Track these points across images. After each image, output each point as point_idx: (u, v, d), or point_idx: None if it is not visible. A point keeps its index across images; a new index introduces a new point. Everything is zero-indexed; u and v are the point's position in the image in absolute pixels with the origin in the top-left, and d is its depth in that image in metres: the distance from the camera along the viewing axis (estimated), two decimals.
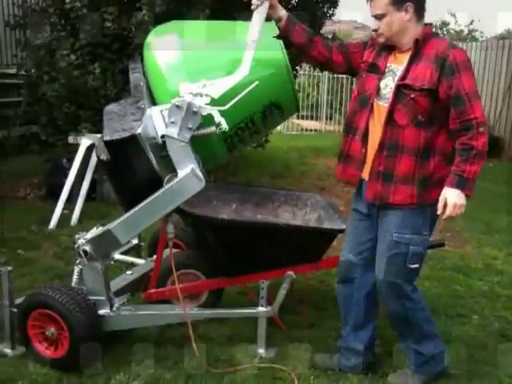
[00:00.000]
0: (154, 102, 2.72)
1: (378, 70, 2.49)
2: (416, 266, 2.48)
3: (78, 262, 2.75)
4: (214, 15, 5.13)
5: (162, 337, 3.00)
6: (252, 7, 2.52)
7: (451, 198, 2.29)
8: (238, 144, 2.80)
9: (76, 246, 2.70)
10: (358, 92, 2.57)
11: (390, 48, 2.48)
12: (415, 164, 2.38)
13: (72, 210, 5.06)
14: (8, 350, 2.80)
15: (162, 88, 2.71)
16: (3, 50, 8.69)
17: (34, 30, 6.03)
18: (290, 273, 2.93)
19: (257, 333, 2.88)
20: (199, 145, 2.59)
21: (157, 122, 2.58)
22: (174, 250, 2.97)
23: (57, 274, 3.80)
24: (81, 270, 2.75)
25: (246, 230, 2.93)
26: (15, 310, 2.76)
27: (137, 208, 2.58)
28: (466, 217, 5.71)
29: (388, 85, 2.44)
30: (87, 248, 2.66)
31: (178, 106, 2.49)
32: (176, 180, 2.54)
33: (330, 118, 14.26)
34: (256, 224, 3.11)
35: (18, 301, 2.80)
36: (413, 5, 2.35)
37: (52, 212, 4.94)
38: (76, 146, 5.19)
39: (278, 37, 2.62)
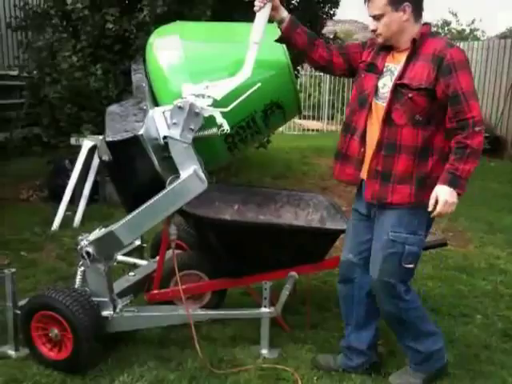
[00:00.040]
0: (156, 103, 2.72)
1: (376, 70, 2.49)
2: (411, 266, 2.47)
3: (80, 263, 2.76)
4: (215, 16, 5.14)
5: (166, 338, 3.00)
6: (255, 9, 2.52)
7: (443, 195, 2.29)
8: (238, 144, 2.80)
9: (79, 247, 2.70)
10: (356, 92, 2.58)
11: (388, 48, 2.48)
12: (413, 163, 2.38)
13: (74, 212, 5.07)
14: (12, 352, 2.81)
15: (164, 89, 2.72)
16: (5, 51, 8.71)
17: (36, 31, 6.06)
18: (293, 273, 2.93)
19: (260, 333, 2.88)
20: (200, 144, 2.59)
21: (159, 123, 2.59)
22: (177, 251, 2.97)
23: (60, 276, 3.80)
24: (84, 271, 2.75)
25: (249, 230, 2.93)
26: (19, 311, 2.77)
27: (139, 209, 2.58)
28: (468, 216, 5.74)
29: (386, 84, 2.44)
30: (90, 249, 2.66)
31: (180, 107, 2.50)
32: (178, 181, 2.55)
33: (332, 118, 14.27)
34: (258, 225, 3.11)
35: (22, 302, 2.80)
36: (410, 4, 2.35)
37: (55, 214, 4.95)
38: (78, 148, 5.20)
39: (280, 39, 2.62)
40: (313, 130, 13.65)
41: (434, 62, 2.31)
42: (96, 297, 2.71)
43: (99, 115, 5.13)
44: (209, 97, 2.53)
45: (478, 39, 19.71)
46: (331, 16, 7.37)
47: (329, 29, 8.55)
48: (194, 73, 2.66)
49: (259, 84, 2.59)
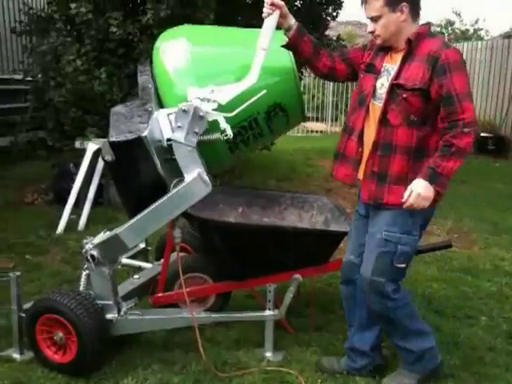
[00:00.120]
0: (161, 106, 2.73)
1: (374, 70, 2.50)
2: (402, 265, 2.46)
3: (85, 266, 2.76)
4: (218, 19, 5.15)
5: (170, 341, 3.01)
6: (263, 15, 2.53)
7: (417, 187, 2.26)
8: (240, 144, 2.79)
9: (83, 250, 2.71)
10: (357, 92, 2.59)
11: (387, 48, 2.48)
12: (408, 164, 2.38)
13: (79, 215, 5.08)
14: (16, 355, 2.82)
15: (170, 92, 2.73)
16: (10, 56, 8.77)
17: (40, 35, 6.09)
18: (297, 276, 2.93)
19: (264, 336, 2.88)
20: (201, 144, 2.60)
21: (163, 125, 2.60)
22: (181, 254, 2.98)
23: (64, 279, 3.81)
24: (88, 274, 2.76)
25: (253, 233, 2.93)
26: (23, 314, 2.78)
27: (144, 213, 2.59)
28: (473, 217, 5.73)
29: (383, 84, 2.44)
30: (95, 253, 2.67)
31: (184, 111, 2.50)
32: (183, 184, 2.55)
33: (336, 120, 14.26)
34: (263, 227, 3.12)
35: (27, 306, 2.81)
36: (408, 4, 2.34)
37: (59, 217, 4.97)
38: (83, 151, 5.22)
39: (286, 47, 2.63)
40: (316, 132, 13.65)
41: (429, 63, 2.30)
42: (100, 300, 2.72)
43: (104, 119, 5.14)
44: (214, 101, 2.54)
45: (481, 39, 19.67)
46: (334, 18, 7.36)
47: (332, 30, 8.53)
48: (200, 76, 2.67)
49: (265, 91, 2.61)
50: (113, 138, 2.58)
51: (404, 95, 2.34)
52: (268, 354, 2.87)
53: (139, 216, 2.60)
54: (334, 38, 7.28)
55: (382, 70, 2.47)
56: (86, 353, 2.62)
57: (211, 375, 2.69)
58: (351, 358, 2.75)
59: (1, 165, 7.18)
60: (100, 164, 5.15)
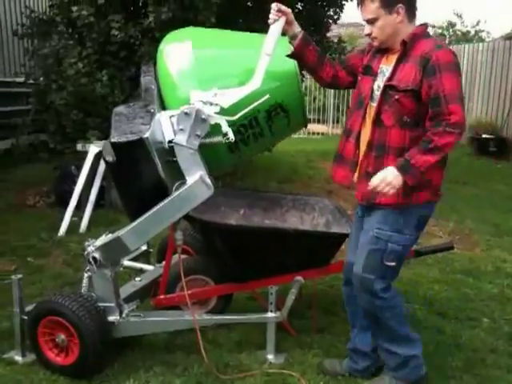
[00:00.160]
0: (163, 107, 2.74)
1: (372, 72, 2.50)
2: (392, 264, 2.44)
3: (87, 268, 2.77)
4: (219, 22, 5.16)
5: (172, 343, 3.01)
6: (269, 21, 2.53)
7: (385, 173, 2.26)
8: (240, 144, 2.78)
9: (85, 253, 2.72)
10: (356, 94, 2.59)
11: (384, 50, 2.48)
12: None
13: (81, 217, 5.09)
14: (18, 357, 2.82)
15: (173, 95, 2.74)
16: (12, 59, 8.79)
17: (42, 38, 6.10)
18: (299, 278, 2.93)
19: (266, 338, 2.88)
20: (202, 146, 2.59)
21: (165, 126, 2.61)
22: (183, 256, 2.98)
23: (66, 281, 3.82)
24: (90, 276, 2.77)
25: (255, 235, 2.93)
26: (25, 317, 2.78)
27: (146, 215, 2.59)
28: (475, 218, 5.73)
29: (380, 86, 2.44)
30: (97, 255, 2.68)
31: (186, 114, 2.51)
32: (185, 187, 2.56)
33: (337, 122, 14.26)
34: (264, 229, 3.12)
35: (29, 308, 2.82)
36: (404, 6, 2.33)
37: (61, 219, 4.97)
38: (84, 154, 5.23)
39: (291, 56, 2.64)
40: (318, 134, 13.65)
41: (421, 64, 2.29)
42: (102, 302, 2.72)
43: (105, 121, 5.16)
44: (216, 104, 2.55)
45: (482, 41, 19.68)
46: (335, 20, 7.36)
47: (333, 32, 8.53)
48: (203, 80, 2.68)
49: (268, 95, 2.62)
50: (114, 139, 2.59)
51: (396, 96, 2.33)
52: (270, 356, 2.87)
53: (141, 218, 2.61)
54: (335, 41, 7.28)
55: (379, 71, 2.47)
56: (88, 355, 2.62)
57: (213, 377, 2.69)
58: (353, 360, 2.75)
59: (2, 167, 7.20)
60: (101, 166, 5.16)
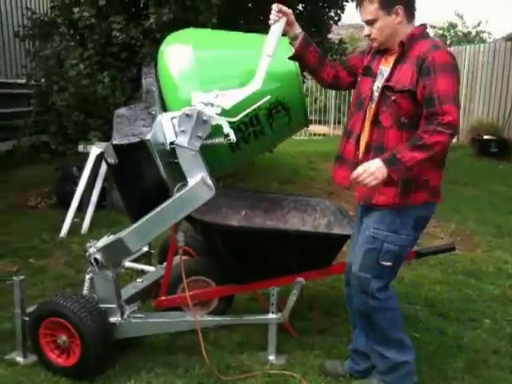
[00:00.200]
0: (165, 109, 2.74)
1: (371, 73, 2.49)
2: (388, 263, 2.43)
3: (88, 270, 2.77)
4: (220, 23, 5.17)
5: (173, 344, 3.01)
6: (270, 22, 2.53)
7: (370, 163, 2.24)
8: (241, 142, 2.75)
9: (87, 254, 2.72)
10: (355, 95, 2.59)
11: (383, 51, 2.47)
12: None
13: (82, 219, 5.09)
14: (20, 359, 2.82)
15: (174, 96, 2.74)
16: (13, 60, 8.80)
17: (43, 40, 6.11)
18: (300, 279, 2.93)
19: (267, 339, 2.88)
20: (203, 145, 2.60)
21: (166, 128, 2.61)
22: (184, 258, 2.98)
23: (68, 283, 3.82)
24: (92, 278, 2.77)
25: (256, 236, 2.93)
26: (27, 318, 2.78)
27: (147, 216, 2.59)
28: (476, 220, 5.72)
29: (379, 87, 2.43)
30: (98, 256, 2.68)
31: (188, 115, 2.51)
32: (186, 189, 2.56)
33: (339, 123, 14.27)
34: (266, 230, 3.12)
35: (30, 309, 2.82)
36: (402, 6, 2.32)
37: (63, 220, 4.98)
38: (86, 155, 5.24)
39: (292, 57, 2.63)
40: (319, 135, 13.65)
41: (417, 64, 2.27)
42: (104, 303, 2.73)
43: (107, 122, 5.17)
44: (218, 106, 2.55)
45: (484, 41, 19.68)
46: (336, 22, 7.36)
47: (334, 33, 8.53)
48: (205, 81, 2.68)
49: (269, 96, 2.62)
50: (116, 141, 2.59)
51: (393, 97, 2.33)
52: (271, 358, 2.86)
53: (143, 220, 2.61)
54: (336, 42, 7.28)
55: (378, 72, 2.47)
56: (90, 356, 2.62)
57: (214, 378, 2.69)
58: (354, 361, 2.75)
59: (4, 169, 7.21)
60: (103, 167, 5.17)
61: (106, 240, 2.75)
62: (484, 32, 23.66)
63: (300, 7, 6.93)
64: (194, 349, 2.85)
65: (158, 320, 2.90)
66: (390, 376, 2.57)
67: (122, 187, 2.81)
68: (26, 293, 2.90)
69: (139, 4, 5.58)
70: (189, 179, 2.56)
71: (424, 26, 2.44)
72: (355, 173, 2.25)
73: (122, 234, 2.66)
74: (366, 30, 2.41)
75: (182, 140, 2.53)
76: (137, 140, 2.55)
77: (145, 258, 3.53)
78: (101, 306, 2.71)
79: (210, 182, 2.56)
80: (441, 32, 24.05)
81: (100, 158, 5.05)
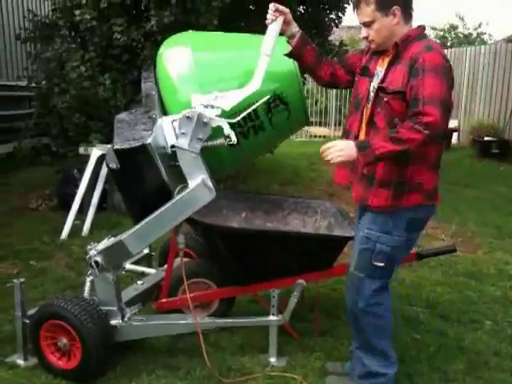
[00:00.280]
0: (164, 112, 2.74)
1: (369, 73, 2.49)
2: (381, 264, 2.41)
3: (89, 272, 2.77)
4: (221, 25, 5.17)
5: (174, 346, 3.01)
6: (267, 22, 2.54)
7: (342, 142, 2.28)
8: (240, 138, 2.72)
9: (88, 256, 2.72)
10: (353, 96, 2.58)
11: (381, 51, 2.46)
12: (392, 168, 2.34)
13: (83, 221, 5.09)
14: (20, 361, 2.83)
15: (174, 99, 2.74)
16: (14, 62, 8.82)
17: (45, 42, 6.13)
18: (301, 281, 2.93)
19: (268, 341, 2.88)
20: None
21: (167, 132, 2.61)
22: (185, 260, 2.98)
23: (68, 285, 3.82)
24: (92, 280, 2.77)
25: (257, 238, 2.93)
26: (28, 321, 2.78)
27: (148, 219, 2.59)
28: (477, 221, 5.72)
29: (375, 88, 2.43)
30: (99, 259, 2.68)
31: (188, 117, 2.52)
32: (187, 191, 2.56)
33: (339, 124, 14.23)
34: (266, 232, 3.12)
35: (31, 312, 2.82)
36: (399, 7, 2.31)
37: (63, 222, 4.98)
38: (87, 157, 5.25)
39: (289, 55, 2.64)
40: (320, 136, 13.63)
41: (409, 66, 2.26)
42: (104, 306, 2.73)
43: (107, 125, 5.17)
44: (218, 107, 2.55)
45: (485, 43, 19.69)
46: (337, 24, 7.36)
47: (334, 35, 8.53)
48: (204, 83, 2.68)
49: (268, 96, 2.62)
50: (117, 146, 2.60)
51: (385, 98, 2.32)
52: (272, 360, 2.86)
53: (143, 222, 2.61)
54: (337, 44, 7.29)
55: (375, 73, 2.46)
56: (90, 359, 2.62)
57: (215, 381, 2.69)
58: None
59: (5, 171, 7.22)
60: (104, 170, 5.17)
61: (106, 242, 2.76)
62: (485, 34, 23.69)
63: (301, 9, 6.94)
64: (194, 351, 2.85)
65: (159, 322, 2.90)
66: (365, 381, 2.56)
67: (125, 191, 2.82)
68: (27, 295, 2.90)
69: (140, 6, 5.59)
70: (189, 181, 2.56)
71: (422, 27, 2.41)
72: (324, 146, 2.25)
73: (123, 236, 2.66)
74: (364, 31, 2.40)
75: (183, 142, 2.53)
76: (138, 144, 2.55)
77: (145, 261, 3.53)
78: (101, 308, 2.71)
79: (210, 184, 2.56)
80: (441, 34, 24.06)
81: (101, 160, 5.05)
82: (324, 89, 14.26)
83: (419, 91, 2.18)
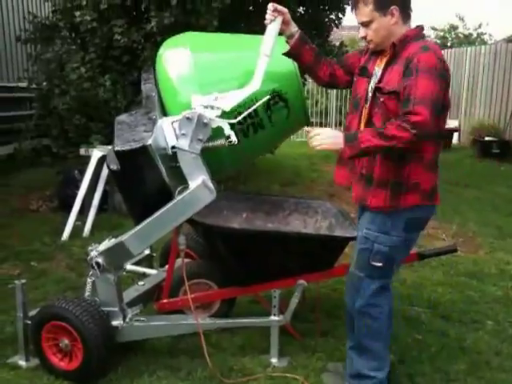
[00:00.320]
0: (165, 113, 2.74)
1: (367, 74, 2.48)
2: (379, 264, 2.41)
3: (90, 273, 2.77)
4: (221, 26, 5.18)
5: (175, 347, 3.01)
6: (265, 22, 2.54)
7: (332, 130, 2.31)
8: (240, 136, 2.71)
9: (89, 257, 2.72)
10: (352, 96, 2.59)
11: (379, 52, 2.46)
12: (390, 168, 2.34)
13: (84, 222, 5.10)
14: (22, 362, 2.83)
15: (174, 100, 2.74)
16: (15, 64, 8.83)
17: (45, 43, 6.13)
18: (302, 281, 2.93)
19: (269, 342, 2.88)
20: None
21: (167, 133, 2.62)
22: (186, 260, 2.98)
23: (69, 286, 3.82)
24: (93, 281, 2.77)
25: (258, 239, 2.93)
26: (29, 322, 2.79)
27: (149, 220, 2.60)
28: (478, 221, 5.71)
29: (373, 88, 2.43)
30: (100, 260, 2.68)
31: (188, 118, 2.52)
32: (187, 192, 2.56)
33: (340, 125, 14.25)
34: (267, 233, 3.12)
35: (32, 313, 2.82)
36: (397, 7, 2.30)
37: (64, 224, 4.98)
38: (87, 158, 5.25)
39: (288, 54, 2.64)
40: None
41: (405, 66, 2.25)
42: (106, 306, 2.73)
43: (108, 126, 5.17)
44: (218, 108, 2.55)
45: (485, 43, 19.69)
46: (337, 24, 7.35)
47: (335, 35, 8.54)
48: (204, 84, 2.68)
49: (268, 96, 2.63)
50: (118, 147, 2.60)
51: (381, 99, 2.32)
52: (273, 360, 2.86)
53: (144, 223, 2.61)
54: (337, 44, 7.29)
55: (373, 72, 2.46)
56: (92, 360, 2.62)
57: (217, 381, 2.69)
58: None
59: (6, 172, 7.23)
60: (105, 171, 5.17)
61: (107, 243, 2.76)
62: (485, 34, 23.70)
63: (301, 10, 6.94)
64: (196, 352, 2.85)
65: (160, 323, 2.89)
66: (355, 382, 2.56)
67: (125, 192, 2.82)
68: (28, 296, 2.91)
69: (140, 8, 5.59)
70: (190, 182, 2.56)
71: (420, 27, 2.41)
72: (312, 130, 2.28)
73: (124, 237, 2.67)
74: (362, 31, 2.40)
75: (183, 143, 2.53)
76: (138, 145, 2.55)
77: (146, 261, 3.53)
78: (103, 309, 2.71)
79: (210, 184, 2.56)
80: (442, 34, 24.07)
81: (101, 161, 5.05)
82: (324, 89, 14.27)
83: (412, 91, 2.17)
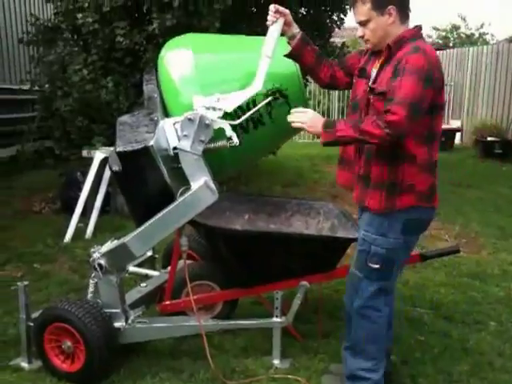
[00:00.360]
0: (166, 114, 2.75)
1: (366, 75, 2.48)
2: (376, 266, 2.40)
3: (93, 275, 2.78)
4: (223, 27, 5.18)
5: (177, 349, 3.01)
6: (267, 23, 2.54)
7: (313, 112, 2.36)
8: (239, 130, 2.70)
9: (91, 259, 2.73)
10: (351, 97, 2.58)
11: (377, 52, 2.45)
12: (384, 169, 2.33)
13: (86, 224, 5.10)
14: (25, 364, 2.83)
15: (176, 101, 2.75)
16: (17, 66, 8.85)
17: (47, 46, 6.15)
18: (304, 283, 2.93)
19: (271, 343, 2.88)
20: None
21: (169, 134, 2.62)
22: (188, 262, 2.98)
23: (72, 288, 3.83)
24: (96, 283, 2.77)
25: (260, 240, 2.93)
26: (32, 323, 2.79)
27: (151, 221, 2.60)
28: (480, 222, 5.70)
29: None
30: (102, 262, 2.68)
31: (190, 120, 2.52)
32: (189, 193, 2.56)
33: None
34: (269, 234, 3.12)
35: (35, 315, 2.83)
36: (395, 7, 2.29)
37: (67, 225, 4.99)
38: (90, 160, 5.26)
39: (289, 55, 2.64)
40: None
41: (394, 67, 2.25)
42: (108, 308, 2.73)
43: (110, 127, 5.18)
44: (220, 109, 2.56)
45: (487, 43, 19.66)
46: (339, 26, 7.35)
47: (336, 36, 8.53)
48: (205, 85, 2.68)
49: (270, 98, 2.63)
50: (120, 148, 2.60)
51: (372, 100, 2.33)
52: (276, 362, 2.86)
53: (146, 224, 2.61)
54: (339, 45, 7.28)
55: (371, 73, 2.45)
56: (94, 361, 2.63)
57: (219, 383, 2.69)
58: None
59: (8, 174, 7.25)
60: (107, 172, 5.18)
61: (109, 245, 2.76)
62: (487, 34, 23.68)
63: (303, 11, 6.94)
64: (198, 353, 2.85)
65: (163, 325, 2.90)
66: (350, 381, 2.56)
67: (127, 193, 2.82)
68: (31, 298, 2.91)
69: (142, 9, 5.60)
70: (192, 183, 2.57)
71: (418, 27, 2.39)
72: (298, 109, 2.37)
73: (126, 239, 2.67)
74: (360, 31, 2.40)
75: (185, 144, 2.54)
76: (140, 146, 2.56)
77: (149, 263, 3.53)
78: (105, 311, 2.71)
79: (213, 185, 2.56)
80: (444, 34, 24.05)
81: (104, 162, 5.06)
82: (326, 90, 14.27)
83: (396, 91, 2.18)
